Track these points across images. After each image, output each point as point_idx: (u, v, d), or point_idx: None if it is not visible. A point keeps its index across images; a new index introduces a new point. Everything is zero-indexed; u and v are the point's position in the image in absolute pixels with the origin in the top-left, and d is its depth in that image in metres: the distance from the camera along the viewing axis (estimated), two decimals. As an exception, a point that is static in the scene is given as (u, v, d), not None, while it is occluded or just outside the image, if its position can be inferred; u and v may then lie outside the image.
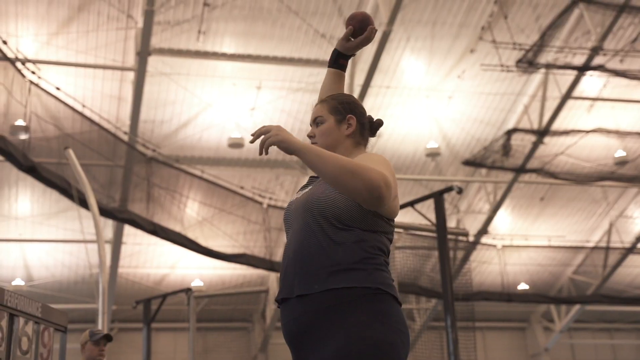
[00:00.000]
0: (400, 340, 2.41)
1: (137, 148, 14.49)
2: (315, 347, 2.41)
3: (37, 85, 13.05)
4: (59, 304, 16.18)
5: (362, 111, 2.82)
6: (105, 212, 12.71)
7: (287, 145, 2.45)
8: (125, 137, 14.45)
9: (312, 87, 15.49)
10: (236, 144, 15.66)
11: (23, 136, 12.81)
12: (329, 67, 2.97)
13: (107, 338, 5.73)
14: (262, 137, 2.48)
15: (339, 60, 2.95)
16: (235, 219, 15.82)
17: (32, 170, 12.04)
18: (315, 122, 2.75)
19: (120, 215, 13.68)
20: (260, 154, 2.50)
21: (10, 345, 3.54)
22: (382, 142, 16.67)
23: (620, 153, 17.04)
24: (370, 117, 2.84)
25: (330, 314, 2.39)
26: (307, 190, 2.67)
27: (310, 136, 2.76)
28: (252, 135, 2.51)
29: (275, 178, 17.12)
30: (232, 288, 18.39)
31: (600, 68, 14.68)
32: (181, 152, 16.02)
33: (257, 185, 16.71)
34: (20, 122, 12.94)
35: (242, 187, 15.67)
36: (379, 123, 2.85)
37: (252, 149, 16.37)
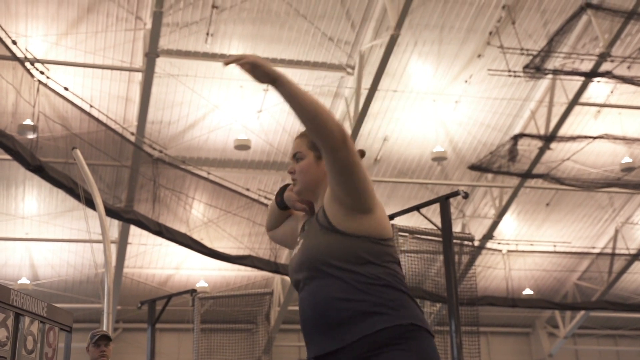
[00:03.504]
0: None
1: (144, 149, 14.53)
2: None
3: (45, 85, 13.10)
4: (64, 303, 16.22)
5: None
6: (111, 212, 12.75)
7: (264, 70, 2.37)
8: (132, 138, 14.49)
9: (319, 90, 15.51)
10: (243, 146, 15.69)
11: (31, 136, 12.87)
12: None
13: (106, 338, 5.75)
14: (237, 59, 2.40)
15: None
16: (241, 221, 15.84)
17: (39, 169, 12.08)
18: (295, 157, 2.68)
19: (126, 215, 13.72)
20: (225, 64, 2.42)
21: (15, 345, 3.56)
22: (388, 146, 16.68)
23: (627, 159, 17.01)
24: None
25: None
26: (299, 246, 2.62)
27: (290, 172, 2.69)
28: (226, 61, 2.42)
29: (281, 180, 17.15)
30: (237, 289, 18.41)
31: (607, 74, 14.67)
32: (187, 153, 16.06)
33: (263, 187, 16.74)
34: (28, 122, 13.00)
35: (248, 189, 15.70)
36: (362, 154, 2.71)
37: (258, 151, 16.39)
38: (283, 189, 2.82)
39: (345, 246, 2.47)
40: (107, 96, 14.91)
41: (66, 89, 13.46)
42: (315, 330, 2.46)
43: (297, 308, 15.14)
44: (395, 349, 2.35)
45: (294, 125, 16.06)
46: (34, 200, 16.39)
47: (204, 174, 15.28)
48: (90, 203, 11.31)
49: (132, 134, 14.51)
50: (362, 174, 2.46)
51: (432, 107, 16.17)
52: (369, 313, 2.39)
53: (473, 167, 16.10)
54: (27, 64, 12.96)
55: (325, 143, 2.40)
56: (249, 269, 16.32)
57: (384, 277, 2.46)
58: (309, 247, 2.54)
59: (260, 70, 2.37)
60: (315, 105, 2.37)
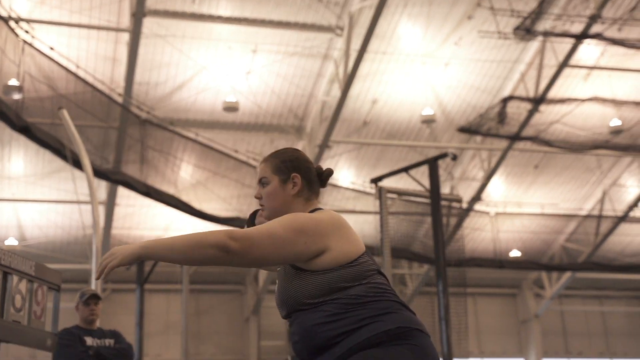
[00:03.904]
0: None
1: (132, 110, 14.44)
2: None
3: (30, 44, 12.95)
4: (53, 264, 16.23)
5: (308, 166, 2.70)
6: (99, 173, 12.70)
7: (131, 257, 2.34)
8: (120, 99, 14.39)
9: (307, 52, 15.41)
10: (231, 108, 15.61)
11: (16, 96, 12.75)
12: None
13: (95, 297, 5.75)
14: (103, 267, 2.34)
15: None
16: (229, 183, 15.83)
17: (26, 130, 12.00)
18: (261, 182, 2.67)
19: (113, 176, 13.68)
20: (98, 278, 2.38)
21: (3, 303, 3.55)
22: (377, 108, 16.63)
23: (616, 122, 17.04)
24: (319, 168, 2.73)
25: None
26: (277, 284, 2.62)
27: (257, 197, 2.68)
28: (97, 274, 2.38)
29: (269, 142, 17.10)
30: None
31: (598, 36, 14.62)
32: (175, 114, 15.96)
33: (251, 149, 16.69)
34: (13, 82, 12.87)
35: (236, 151, 15.65)
36: (329, 173, 2.72)
37: (246, 112, 16.32)
38: (253, 215, 2.79)
39: (317, 283, 2.46)
40: (93, 56, 14.75)
41: (52, 48, 13.31)
42: (307, 353, 2.48)
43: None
44: (389, 344, 2.37)
45: (282, 86, 15.98)
46: (21, 160, 16.30)
47: (192, 136, 15.22)
48: (77, 164, 11.27)
49: (120, 95, 14.39)
50: (283, 240, 2.41)
51: (421, 69, 16.10)
52: (356, 328, 2.40)
53: (462, 130, 16.09)
54: (12, 23, 12.79)
55: (223, 260, 2.39)
56: (237, 230, 16.33)
57: (365, 293, 2.45)
58: (283, 289, 2.54)
59: (128, 260, 2.34)
60: (183, 248, 2.35)
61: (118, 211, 16.98)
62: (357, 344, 2.38)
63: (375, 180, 8.64)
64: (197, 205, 14.76)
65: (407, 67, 16.05)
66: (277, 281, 2.66)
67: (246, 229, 2.43)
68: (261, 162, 2.71)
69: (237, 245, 2.35)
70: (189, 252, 2.35)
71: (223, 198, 15.89)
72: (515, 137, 16.28)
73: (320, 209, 2.63)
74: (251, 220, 2.81)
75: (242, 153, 15.89)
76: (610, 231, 19.15)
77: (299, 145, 17.15)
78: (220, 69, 15.46)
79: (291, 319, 2.54)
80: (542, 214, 19.43)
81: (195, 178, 15.73)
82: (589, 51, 16.03)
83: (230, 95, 15.62)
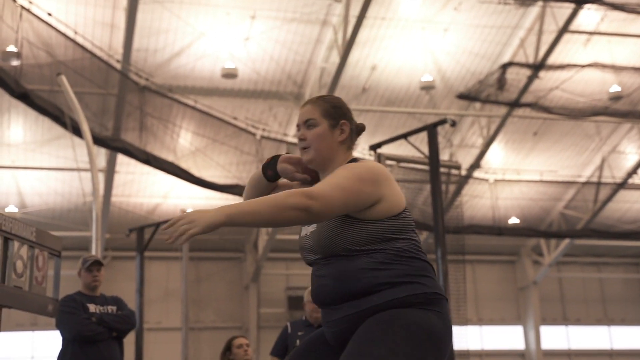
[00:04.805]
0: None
1: (130, 77, 14.38)
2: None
3: (28, 10, 12.86)
4: (53, 231, 16.26)
5: (351, 116, 2.74)
6: (98, 140, 12.70)
7: (214, 225, 2.28)
8: (118, 66, 14.33)
9: (306, 18, 15.31)
10: (230, 74, 15.56)
11: (15, 62, 12.70)
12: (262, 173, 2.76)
13: (98, 263, 5.79)
14: (180, 233, 2.27)
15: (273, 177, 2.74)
16: (228, 150, 15.83)
17: (25, 97, 11.98)
18: (307, 123, 2.64)
19: (113, 143, 13.68)
20: (172, 242, 2.30)
21: (5, 268, 3.58)
22: (376, 75, 16.58)
23: (615, 88, 16.99)
24: (355, 122, 2.78)
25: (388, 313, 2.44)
26: (311, 229, 2.59)
27: (301, 138, 2.64)
28: (165, 229, 2.31)
29: (268, 109, 17.07)
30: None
31: (598, 1, 14.52)
32: (174, 81, 15.91)
33: (250, 116, 16.67)
34: (11, 48, 12.80)
35: (235, 118, 15.63)
36: (362, 128, 2.78)
37: (245, 79, 16.26)
38: (272, 162, 2.72)
39: (364, 231, 2.48)
40: (91, 22, 14.66)
41: (50, 14, 13.22)
42: (339, 297, 2.48)
43: (285, 237, 15.16)
44: (420, 308, 2.43)
45: (281, 53, 15.91)
46: (20, 128, 16.28)
47: (191, 103, 15.18)
48: (77, 131, 11.26)
49: (118, 61, 14.33)
50: (352, 191, 2.43)
51: (420, 35, 16.01)
52: (400, 282, 2.44)
53: (461, 96, 16.05)
54: (9, -11, 12.70)
55: (304, 220, 2.40)
56: (237, 197, 16.37)
57: (408, 249, 2.50)
58: (322, 234, 2.52)
59: (205, 225, 2.27)
60: (267, 211, 2.33)
61: (118, 178, 16.99)
62: (397, 298, 2.42)
63: (374, 147, 8.64)
64: (196, 172, 14.77)
65: (406, 33, 15.96)
66: (304, 227, 2.63)
67: (318, 187, 2.42)
68: (307, 102, 2.69)
69: (317, 204, 2.35)
70: (272, 217, 2.33)
71: (222, 165, 15.90)
72: (514, 104, 16.25)
73: (357, 159, 2.66)
74: (271, 169, 2.71)
75: (241, 120, 15.86)
76: (609, 198, 19.19)
77: (298, 113, 17.13)
78: (219, 36, 15.38)
79: (323, 262, 2.52)
80: (541, 181, 19.45)
81: (194, 145, 15.72)
82: (589, 16, 15.93)
83: (228, 62, 15.56)
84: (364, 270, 2.45)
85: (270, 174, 2.71)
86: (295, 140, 16.76)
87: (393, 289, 2.43)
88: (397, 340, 2.33)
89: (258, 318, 19.67)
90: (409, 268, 2.46)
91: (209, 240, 19.21)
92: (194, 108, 15.19)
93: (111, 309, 5.76)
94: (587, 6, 14.91)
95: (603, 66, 16.39)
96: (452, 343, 2.54)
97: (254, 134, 15.91)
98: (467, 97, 16.01)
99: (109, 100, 14.78)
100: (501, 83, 15.86)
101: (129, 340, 6.94)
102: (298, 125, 2.68)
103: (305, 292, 6.95)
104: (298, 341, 6.64)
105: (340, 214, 2.44)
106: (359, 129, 2.76)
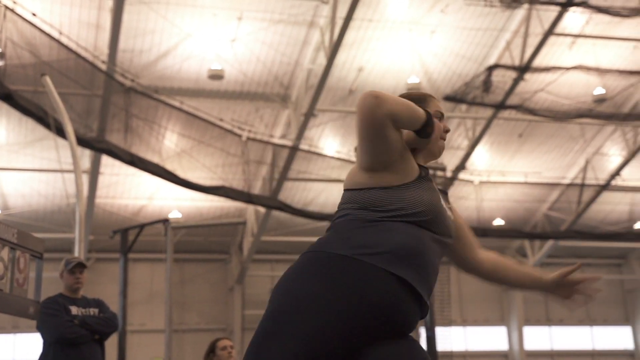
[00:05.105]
0: None
1: (116, 78, 14.31)
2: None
3: (12, 10, 12.77)
4: (36, 232, 16.16)
5: None
6: (82, 141, 12.61)
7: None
8: (104, 67, 14.25)
9: (293, 19, 15.29)
10: (216, 76, 15.51)
11: (-2, 63, 12.60)
12: None
13: (81, 265, 5.73)
14: None
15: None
16: (214, 151, 15.78)
17: (8, 97, 11.88)
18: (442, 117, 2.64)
19: (97, 145, 13.60)
20: None
21: (-15, 271, 3.54)
22: (363, 76, 16.58)
23: (600, 90, 17.07)
24: None
25: None
26: (448, 214, 2.59)
27: (447, 131, 2.64)
28: None
29: (255, 111, 17.03)
30: (210, 220, 18.45)
31: (583, 4, 14.59)
32: (160, 82, 15.84)
33: (236, 118, 16.62)
34: (-5, 49, 12.71)
35: (221, 119, 15.58)
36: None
37: (231, 80, 16.22)
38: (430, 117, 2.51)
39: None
40: (77, 23, 14.57)
41: (34, 14, 13.13)
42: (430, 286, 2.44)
43: (271, 238, 15.11)
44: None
45: (268, 54, 15.88)
46: (3, 129, 16.16)
47: (177, 104, 15.12)
48: (60, 132, 11.18)
49: (103, 62, 14.25)
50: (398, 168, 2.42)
51: (407, 37, 16.03)
52: None
53: (447, 98, 16.07)
54: (-7, -11, 12.60)
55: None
56: (222, 199, 16.32)
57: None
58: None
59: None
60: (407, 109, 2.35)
61: (102, 180, 16.90)
62: None
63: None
64: (181, 174, 14.71)
65: (393, 34, 15.98)
66: (443, 213, 2.52)
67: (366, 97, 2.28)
68: (436, 99, 2.67)
69: (378, 99, 2.24)
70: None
71: (208, 167, 15.85)
72: (500, 106, 16.28)
73: None
74: (430, 125, 2.50)
75: (227, 122, 15.82)
76: (593, 200, 19.28)
77: (284, 114, 17.11)
78: (205, 37, 15.34)
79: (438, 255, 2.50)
80: (526, 183, 19.52)
81: (179, 146, 15.67)
82: (574, 19, 16.01)
83: (215, 63, 15.51)
84: None
85: (429, 130, 2.50)
86: (280, 142, 16.73)
87: None
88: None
89: (243, 320, 19.62)
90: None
91: (194, 242, 19.16)
92: (179, 109, 15.13)
93: (93, 311, 5.71)
94: (572, 9, 14.97)
95: (588, 69, 16.47)
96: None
97: (240, 136, 15.87)
98: (453, 98, 16.03)
99: (94, 101, 14.70)
100: (487, 85, 15.90)
101: (112, 342, 6.89)
102: (440, 117, 2.63)
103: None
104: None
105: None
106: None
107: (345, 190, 2.48)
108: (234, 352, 6.67)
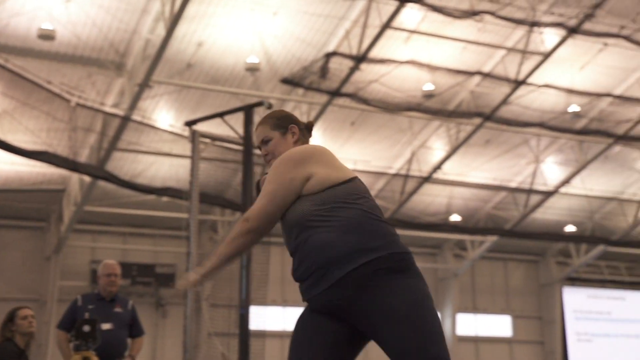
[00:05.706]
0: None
1: None
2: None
3: None
4: None
5: (297, 119, 3.25)
6: None
7: (207, 274, 2.85)
8: None
9: (133, -15, 14.83)
10: (46, 36, 14.76)
11: None
12: None
13: None
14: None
15: None
16: (39, 115, 15.08)
17: None
18: (264, 142, 3.14)
19: None
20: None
21: None
22: (202, 52, 16.35)
23: (429, 86, 17.78)
24: (304, 122, 3.29)
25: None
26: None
27: (265, 155, 3.14)
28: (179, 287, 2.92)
29: (87, 76, 16.37)
30: (30, 185, 17.62)
31: (419, 1, 15.12)
32: (-16, 37, 14.90)
33: (66, 82, 15.92)
34: None
35: (49, 82, 14.89)
36: (311, 124, 3.31)
37: (64, 42, 15.51)
38: (258, 185, 3.15)
39: (310, 202, 2.92)
40: None
41: None
42: (312, 276, 2.82)
43: (94, 208, 14.69)
44: (397, 272, 2.88)
45: (104, 19, 15.30)
46: None
47: (1, 62, 14.29)
48: None
49: None
50: (278, 191, 2.88)
51: (249, 16, 15.95)
52: (361, 250, 2.85)
53: (285, 81, 16.19)
54: None
55: (255, 239, 2.88)
56: (45, 165, 15.63)
57: (357, 217, 2.93)
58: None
59: (205, 278, 2.88)
60: (229, 248, 2.85)
61: None
62: (366, 264, 2.93)
63: (189, 123, 8.56)
64: (1, 135, 13.95)
65: (235, 12, 15.84)
66: None
67: (253, 205, 2.87)
68: (257, 128, 3.19)
69: (251, 222, 2.81)
70: (231, 252, 2.84)
71: (32, 130, 15.13)
72: (335, 93, 16.61)
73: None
74: (258, 191, 3.10)
75: (56, 85, 15.14)
76: (415, 190, 20.14)
77: (118, 83, 16.59)
78: (37, -6, 14.56)
79: (298, 244, 2.99)
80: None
81: (1, 107, 14.83)
82: (411, 15, 16.53)
83: (46, 23, 14.76)
84: (320, 246, 2.83)
85: None
86: (112, 110, 16.24)
87: (359, 256, 2.83)
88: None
89: (58, 291, 18.93)
90: (369, 233, 2.88)
91: (9, 206, 18.26)
92: (3, 67, 14.31)
93: None
94: (409, 5, 15.47)
95: (420, 64, 17.13)
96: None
97: (68, 101, 15.24)
98: (291, 82, 16.17)
99: None
100: (324, 71, 16.16)
101: None
102: (259, 147, 3.17)
103: (101, 266, 6.79)
104: (87, 314, 6.44)
105: (282, 209, 2.86)
106: (309, 126, 3.29)
107: None
108: (34, 322, 6.45)
